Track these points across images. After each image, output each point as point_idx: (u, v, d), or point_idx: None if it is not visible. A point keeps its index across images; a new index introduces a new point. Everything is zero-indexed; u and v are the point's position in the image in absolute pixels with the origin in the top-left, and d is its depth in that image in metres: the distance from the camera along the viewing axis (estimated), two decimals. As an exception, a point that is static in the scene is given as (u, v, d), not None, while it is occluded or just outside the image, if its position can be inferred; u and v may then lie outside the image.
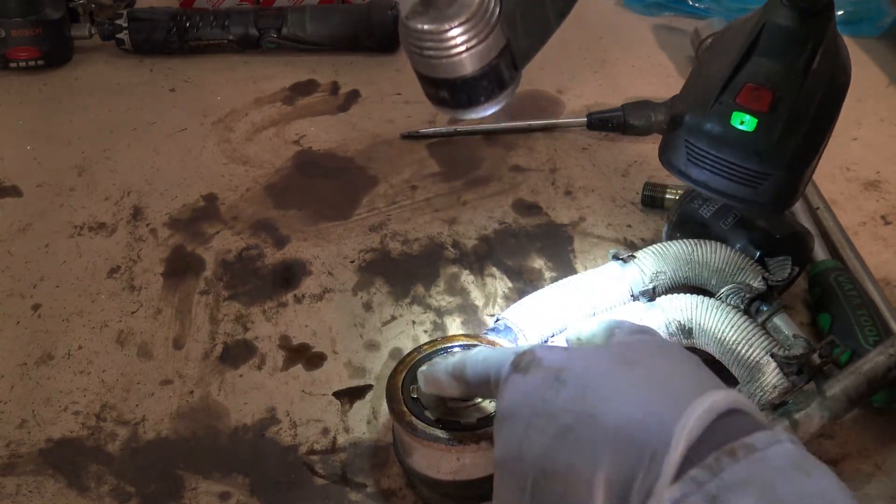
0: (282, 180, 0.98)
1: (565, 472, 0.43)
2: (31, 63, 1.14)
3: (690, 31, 1.16)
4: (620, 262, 0.73)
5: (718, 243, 0.73)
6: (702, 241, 0.73)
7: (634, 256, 0.73)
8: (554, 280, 0.79)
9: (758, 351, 0.64)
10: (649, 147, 1.01)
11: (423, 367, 0.60)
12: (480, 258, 0.87)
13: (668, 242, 0.75)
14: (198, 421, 0.72)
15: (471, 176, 0.98)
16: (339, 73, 1.16)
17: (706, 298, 0.68)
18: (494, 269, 0.85)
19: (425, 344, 0.66)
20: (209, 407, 0.73)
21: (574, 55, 1.19)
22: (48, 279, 0.85)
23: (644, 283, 0.72)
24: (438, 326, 0.79)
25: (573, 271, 0.84)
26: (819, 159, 0.68)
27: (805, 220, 0.84)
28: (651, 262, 0.73)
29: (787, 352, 0.64)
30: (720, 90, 0.65)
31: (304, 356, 0.77)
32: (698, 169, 0.68)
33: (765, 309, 0.70)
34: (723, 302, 0.69)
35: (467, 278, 0.84)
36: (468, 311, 0.81)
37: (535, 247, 0.88)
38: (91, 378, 0.75)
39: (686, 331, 0.68)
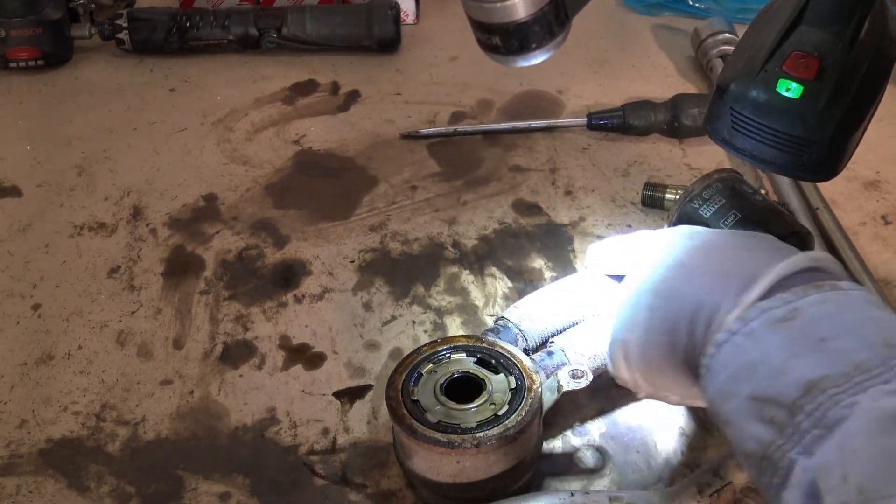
0: (282, 180, 0.98)
1: (669, 294, 0.53)
2: (31, 63, 1.14)
3: (690, 31, 1.15)
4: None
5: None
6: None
7: (634, 256, 0.73)
8: (554, 280, 0.79)
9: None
10: (649, 147, 1.01)
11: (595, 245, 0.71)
12: (480, 258, 0.87)
13: (669, 242, 0.75)
14: (198, 421, 0.72)
15: (471, 176, 0.98)
16: (339, 73, 1.16)
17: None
18: (494, 269, 0.85)
19: (425, 345, 0.66)
20: (209, 407, 0.73)
21: (574, 55, 1.19)
22: (48, 279, 0.85)
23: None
24: (438, 326, 0.79)
25: (573, 271, 0.84)
26: (865, 131, 0.68)
27: (805, 220, 0.84)
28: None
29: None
30: (766, 58, 0.64)
31: (304, 356, 0.77)
32: (743, 137, 0.67)
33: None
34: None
35: (467, 278, 0.84)
36: (468, 311, 0.81)
37: (535, 247, 0.88)
38: (91, 378, 0.75)
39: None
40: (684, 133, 1.00)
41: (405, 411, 0.60)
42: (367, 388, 0.74)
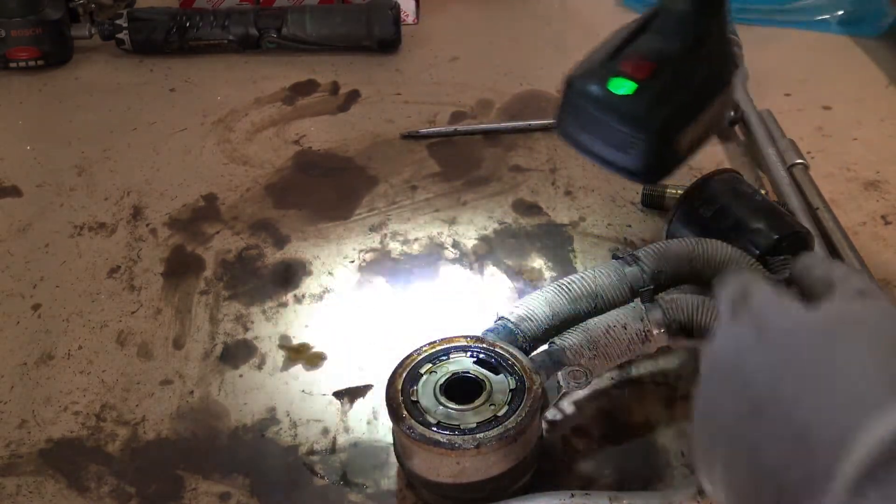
0: (282, 180, 0.98)
1: (746, 455, 0.43)
2: (31, 63, 1.14)
3: (690, 31, 1.15)
4: (621, 261, 0.73)
5: (719, 242, 0.73)
6: (702, 240, 0.73)
7: (635, 256, 0.73)
8: (554, 280, 0.79)
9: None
10: (649, 147, 1.00)
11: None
12: (480, 258, 0.87)
13: (669, 241, 0.74)
14: (198, 421, 0.72)
15: (471, 176, 0.98)
16: (339, 73, 1.16)
17: (707, 299, 0.68)
18: (494, 269, 0.85)
19: (425, 345, 0.65)
20: (209, 407, 0.73)
21: (574, 55, 1.18)
22: (48, 279, 0.85)
23: (644, 281, 0.72)
24: (438, 326, 0.79)
25: (573, 271, 0.84)
26: (698, 143, 0.71)
27: (805, 220, 0.84)
28: (652, 262, 0.73)
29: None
30: (607, 58, 0.69)
31: (304, 356, 0.77)
32: (581, 132, 0.71)
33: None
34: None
35: (467, 278, 0.84)
36: (468, 311, 0.81)
37: (535, 247, 0.88)
38: (91, 378, 0.75)
39: (687, 331, 0.67)
40: (684, 133, 1.00)
41: (405, 412, 0.60)
42: (367, 387, 0.74)
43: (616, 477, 0.66)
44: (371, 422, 0.71)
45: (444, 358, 0.64)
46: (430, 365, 0.64)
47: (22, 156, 1.02)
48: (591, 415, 0.71)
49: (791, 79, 1.12)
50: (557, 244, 0.88)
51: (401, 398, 0.61)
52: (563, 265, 0.85)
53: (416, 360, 0.64)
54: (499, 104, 1.09)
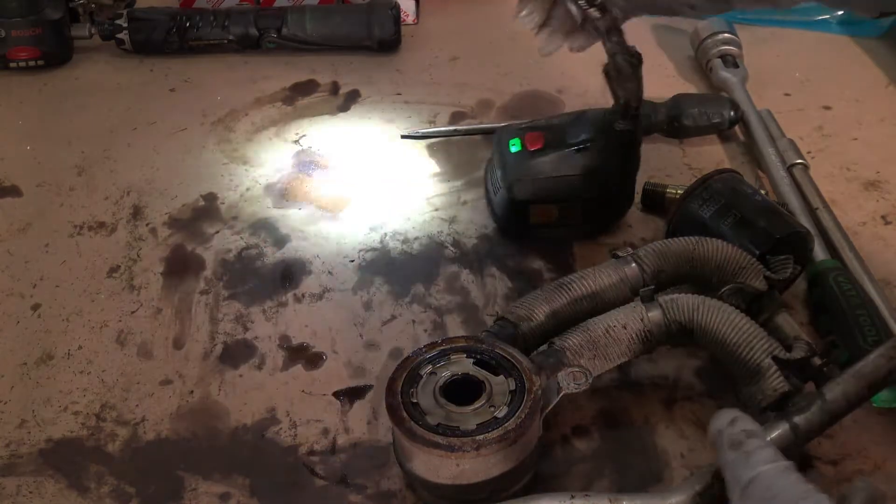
0: (282, 180, 0.98)
1: None
2: (31, 63, 1.14)
3: (690, 31, 1.15)
4: (621, 260, 0.73)
5: (719, 241, 0.73)
6: (702, 240, 0.73)
7: (635, 255, 0.73)
8: (554, 280, 0.79)
9: (758, 354, 0.64)
10: (649, 147, 1.00)
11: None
12: (480, 257, 0.87)
13: (670, 240, 0.74)
14: (198, 421, 0.72)
15: (471, 176, 0.97)
16: (339, 73, 1.15)
17: (707, 299, 0.68)
18: (494, 269, 0.85)
19: (425, 346, 0.65)
20: (209, 407, 0.73)
21: (574, 55, 1.18)
22: (48, 279, 0.85)
23: (645, 281, 0.72)
24: (438, 326, 0.79)
25: (573, 272, 0.84)
26: (549, 226, 0.85)
27: (805, 220, 0.84)
28: (652, 261, 0.73)
29: (787, 355, 0.64)
30: (528, 124, 0.88)
31: (304, 356, 0.77)
32: (492, 169, 0.89)
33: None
34: (724, 302, 0.69)
35: (467, 277, 0.84)
36: (468, 310, 0.81)
37: (535, 247, 0.88)
38: (91, 378, 0.75)
39: (687, 332, 0.67)
40: (684, 133, 1.00)
41: (404, 414, 0.60)
42: (367, 388, 0.74)
43: (616, 477, 0.66)
44: (371, 422, 0.71)
45: (444, 359, 0.64)
46: (430, 366, 0.64)
47: (22, 156, 1.02)
48: (591, 415, 0.71)
49: (791, 79, 1.12)
50: (557, 244, 0.88)
51: (400, 400, 0.61)
52: (563, 265, 0.85)
53: (416, 362, 0.64)
54: (499, 104, 1.09)
